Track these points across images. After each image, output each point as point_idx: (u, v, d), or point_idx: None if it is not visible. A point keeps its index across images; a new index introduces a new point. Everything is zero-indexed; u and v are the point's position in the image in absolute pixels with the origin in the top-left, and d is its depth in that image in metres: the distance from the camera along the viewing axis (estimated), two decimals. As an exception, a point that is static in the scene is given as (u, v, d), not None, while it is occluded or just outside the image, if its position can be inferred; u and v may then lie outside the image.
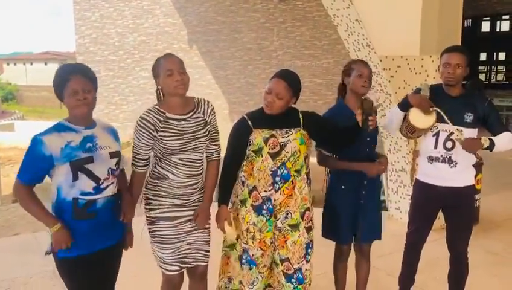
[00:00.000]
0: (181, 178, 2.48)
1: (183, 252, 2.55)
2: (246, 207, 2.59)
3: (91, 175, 2.17)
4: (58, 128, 2.19)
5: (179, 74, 2.39)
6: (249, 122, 2.57)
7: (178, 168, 2.47)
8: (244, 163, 2.60)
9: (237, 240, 2.63)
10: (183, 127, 2.45)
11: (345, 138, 2.70)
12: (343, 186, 2.86)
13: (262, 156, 2.53)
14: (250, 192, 2.58)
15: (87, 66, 2.30)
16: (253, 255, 2.59)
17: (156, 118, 2.41)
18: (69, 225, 2.17)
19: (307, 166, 2.65)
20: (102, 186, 2.22)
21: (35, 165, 2.14)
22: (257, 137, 2.54)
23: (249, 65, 14.03)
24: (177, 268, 2.55)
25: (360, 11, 4.55)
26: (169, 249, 2.51)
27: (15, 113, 22.56)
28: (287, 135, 2.55)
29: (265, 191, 2.55)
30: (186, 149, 2.45)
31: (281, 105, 2.53)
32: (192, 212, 2.54)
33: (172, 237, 2.51)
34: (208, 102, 2.60)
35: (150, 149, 2.46)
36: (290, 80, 2.55)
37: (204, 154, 2.59)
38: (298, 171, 2.59)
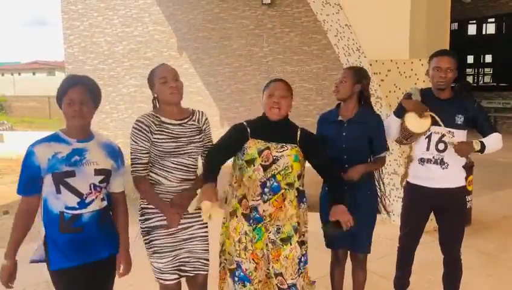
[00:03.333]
0: (174, 182, 2.48)
1: (181, 260, 2.54)
2: (237, 217, 2.56)
3: (72, 189, 2.14)
4: (51, 138, 2.19)
5: (173, 81, 2.44)
6: (248, 130, 2.55)
7: (171, 173, 2.47)
8: (236, 173, 2.58)
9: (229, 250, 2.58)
10: (178, 132, 2.47)
11: (326, 178, 2.69)
12: (327, 188, 2.85)
13: (254, 166, 2.51)
14: (240, 201, 2.56)
15: (92, 80, 2.28)
16: (246, 269, 2.53)
17: (151, 120, 2.44)
18: (57, 238, 2.15)
19: (301, 183, 2.61)
20: (86, 201, 2.18)
21: (27, 176, 2.14)
22: (251, 147, 2.51)
23: (239, 72, 14.03)
24: (176, 276, 2.54)
25: (349, 16, 4.59)
26: (167, 258, 2.49)
27: (3, 124, 22.34)
28: (281, 150, 2.52)
29: (253, 200, 2.52)
30: (180, 153, 2.45)
31: (286, 105, 2.53)
32: (188, 220, 2.53)
33: (169, 245, 2.49)
34: (203, 112, 2.64)
35: (147, 153, 2.44)
36: (286, 82, 2.60)
37: (199, 161, 2.59)
38: (290, 185, 2.54)
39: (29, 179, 2.14)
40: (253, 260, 2.54)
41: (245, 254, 2.53)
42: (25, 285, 3.69)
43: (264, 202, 2.51)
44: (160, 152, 2.43)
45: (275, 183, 2.51)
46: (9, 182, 10.00)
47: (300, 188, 2.61)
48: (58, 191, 2.13)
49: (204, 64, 14.70)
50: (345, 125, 2.86)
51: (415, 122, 2.86)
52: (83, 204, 2.17)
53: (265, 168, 2.50)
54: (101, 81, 16.31)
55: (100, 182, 2.23)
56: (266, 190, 2.50)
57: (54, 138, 2.19)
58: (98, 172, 2.21)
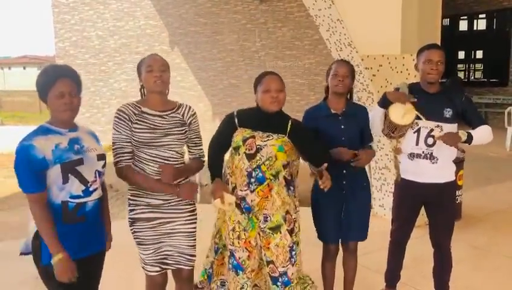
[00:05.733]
0: (150, 175, 2.45)
1: (163, 253, 2.55)
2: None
3: (80, 177, 2.14)
4: (43, 131, 2.14)
5: (159, 70, 2.45)
6: (236, 120, 2.59)
7: (147, 164, 2.46)
8: (228, 158, 2.62)
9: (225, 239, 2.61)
10: (156, 122, 2.46)
11: (315, 157, 2.69)
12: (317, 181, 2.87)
13: (239, 155, 2.55)
14: (233, 190, 2.60)
15: (75, 70, 2.26)
16: (239, 257, 2.57)
17: (131, 110, 2.45)
18: (59, 229, 2.11)
19: (289, 173, 2.64)
20: (90, 189, 2.19)
21: (35, 171, 2.06)
22: (238, 135, 2.57)
23: (231, 66, 14.01)
24: (157, 269, 2.55)
25: (341, 11, 4.59)
26: (150, 250, 2.51)
27: (-6, 119, 22.19)
28: (266, 139, 2.55)
29: (241, 190, 2.57)
30: (156, 144, 2.44)
31: (283, 97, 2.56)
32: (170, 215, 2.52)
33: (150, 238, 2.50)
34: (190, 107, 2.64)
35: (130, 141, 2.44)
36: (278, 75, 2.61)
37: (183, 154, 2.58)
38: (275, 175, 2.57)
39: (36, 174, 2.06)
40: (246, 248, 2.58)
41: (238, 243, 2.58)
42: (16, 280, 3.67)
43: (251, 192, 2.55)
44: (137, 142, 2.43)
45: (260, 174, 2.54)
46: (1, 176, 9.92)
47: (288, 177, 2.63)
48: (65, 181, 2.10)
49: (196, 59, 14.66)
50: (340, 118, 2.87)
51: (399, 114, 2.86)
52: (87, 192, 2.17)
53: (249, 157, 2.53)
54: (92, 76, 16.31)
55: (102, 167, 2.26)
56: (252, 180, 2.54)
57: (46, 130, 2.15)
58: (99, 157, 2.25)
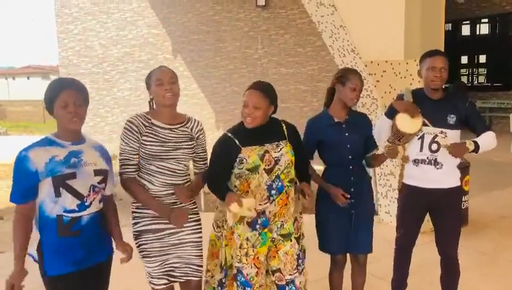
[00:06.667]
0: (158, 187, 2.45)
1: (170, 265, 2.52)
2: (242, 225, 2.53)
3: (73, 192, 2.12)
4: (45, 142, 2.16)
5: (169, 83, 2.43)
6: (236, 141, 2.50)
7: (155, 177, 2.44)
8: (238, 182, 2.53)
9: (232, 258, 2.56)
10: (166, 136, 2.44)
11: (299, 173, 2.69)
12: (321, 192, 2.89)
13: (258, 173, 2.49)
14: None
15: (80, 82, 2.28)
16: (247, 274, 2.52)
17: (141, 121, 2.43)
18: (55, 241, 2.12)
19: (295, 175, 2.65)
20: (86, 203, 2.17)
21: (24, 183, 2.09)
22: (251, 155, 2.48)
23: (234, 74, 14.02)
24: (165, 281, 2.52)
25: (344, 17, 4.59)
26: (156, 262, 2.47)
27: (-2, 129, 22.26)
28: (279, 149, 2.53)
29: (260, 205, 2.51)
30: (166, 157, 2.43)
31: (260, 115, 2.48)
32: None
33: (157, 250, 2.47)
34: (198, 121, 2.63)
35: (137, 154, 2.43)
36: (263, 89, 2.51)
37: (189, 166, 2.57)
38: (291, 181, 2.58)
39: (26, 187, 2.10)
40: (254, 265, 2.53)
41: (246, 260, 2.52)
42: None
43: (271, 203, 2.52)
44: (146, 154, 2.41)
45: (280, 183, 2.52)
46: (5, 186, 9.93)
47: (295, 180, 2.65)
48: (58, 195, 2.10)
49: (199, 67, 14.69)
50: (344, 126, 2.85)
51: (407, 122, 2.85)
52: (82, 206, 2.16)
53: (268, 171, 2.50)
54: (95, 85, 16.36)
55: (99, 182, 2.23)
56: (273, 191, 2.52)
57: (47, 142, 2.16)
58: (97, 172, 2.22)
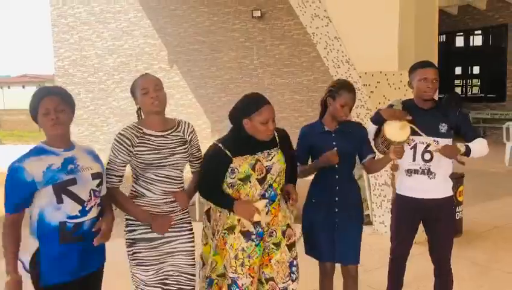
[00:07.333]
0: (157, 195, 2.45)
1: (164, 273, 2.51)
2: (234, 234, 2.53)
3: (75, 197, 2.13)
4: (37, 152, 2.15)
5: (154, 91, 2.42)
6: (227, 152, 2.48)
7: (154, 185, 2.44)
8: (231, 191, 2.53)
9: (225, 269, 2.55)
10: (160, 143, 2.44)
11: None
12: (313, 200, 2.89)
13: (250, 183, 2.49)
14: (239, 219, 2.52)
15: (61, 87, 2.28)
16: (242, 284, 2.50)
17: (133, 133, 2.42)
18: (57, 249, 2.12)
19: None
20: (87, 209, 2.18)
21: (19, 193, 2.09)
22: (242, 165, 2.47)
23: (230, 84, 14.06)
24: None
25: (338, 29, 4.63)
26: (151, 271, 2.46)
27: (-8, 138, 22.17)
28: (270, 158, 2.52)
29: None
30: (162, 165, 2.43)
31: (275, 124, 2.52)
32: (172, 234, 2.50)
33: (152, 258, 2.46)
34: (189, 123, 2.62)
35: (125, 166, 2.44)
36: (270, 102, 2.53)
37: (184, 172, 2.57)
38: (282, 189, 2.60)
39: (21, 197, 2.09)
40: (249, 274, 2.52)
41: (242, 270, 2.50)
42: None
43: (266, 213, 2.52)
44: (142, 164, 2.40)
45: (273, 192, 2.53)
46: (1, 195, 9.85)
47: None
48: (60, 201, 2.10)
49: (195, 77, 14.73)
50: (333, 135, 2.88)
51: (393, 131, 2.84)
52: (83, 212, 2.17)
53: (260, 181, 2.50)
54: (90, 94, 16.36)
55: (97, 186, 2.25)
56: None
57: (41, 151, 2.16)
58: (94, 176, 2.23)
